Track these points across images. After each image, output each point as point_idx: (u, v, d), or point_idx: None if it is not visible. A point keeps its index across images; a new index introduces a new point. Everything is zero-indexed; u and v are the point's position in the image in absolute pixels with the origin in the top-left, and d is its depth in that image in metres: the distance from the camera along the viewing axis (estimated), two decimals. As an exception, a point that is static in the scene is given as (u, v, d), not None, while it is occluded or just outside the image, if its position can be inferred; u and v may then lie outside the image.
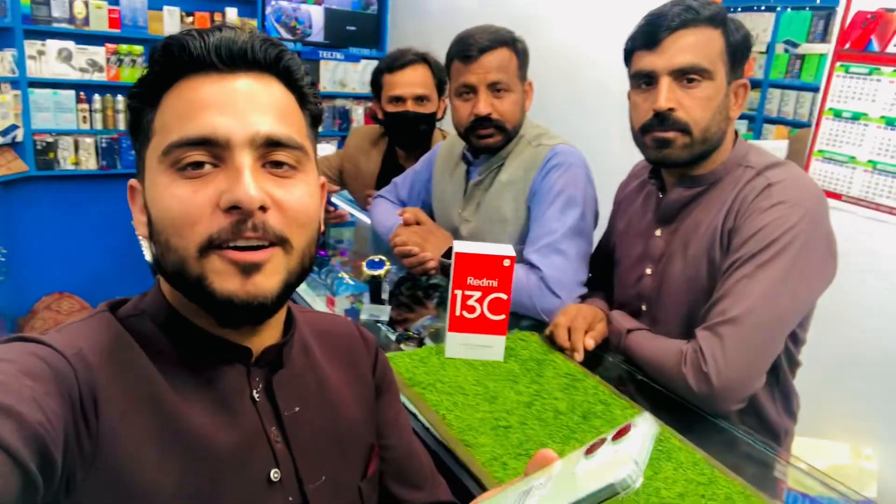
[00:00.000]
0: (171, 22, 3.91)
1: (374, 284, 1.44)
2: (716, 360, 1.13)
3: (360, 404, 0.80)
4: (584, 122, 2.80)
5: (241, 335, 0.68)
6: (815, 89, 2.17)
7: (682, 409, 1.18)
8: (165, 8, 3.87)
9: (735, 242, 1.21)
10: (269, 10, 4.15)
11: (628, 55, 1.31)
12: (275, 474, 0.67)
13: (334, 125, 4.47)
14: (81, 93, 3.73)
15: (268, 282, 0.63)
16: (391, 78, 2.10)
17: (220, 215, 0.60)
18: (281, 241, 0.63)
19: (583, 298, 1.52)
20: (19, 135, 3.59)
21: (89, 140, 3.80)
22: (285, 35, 4.23)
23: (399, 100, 2.10)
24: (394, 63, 2.10)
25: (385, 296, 1.48)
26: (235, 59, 0.63)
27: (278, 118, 0.64)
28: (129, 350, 0.63)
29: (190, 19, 3.97)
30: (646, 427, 0.47)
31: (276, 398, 0.70)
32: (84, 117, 3.78)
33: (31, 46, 3.59)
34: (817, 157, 2.11)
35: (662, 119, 1.23)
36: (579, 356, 1.32)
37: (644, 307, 1.40)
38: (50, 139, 3.72)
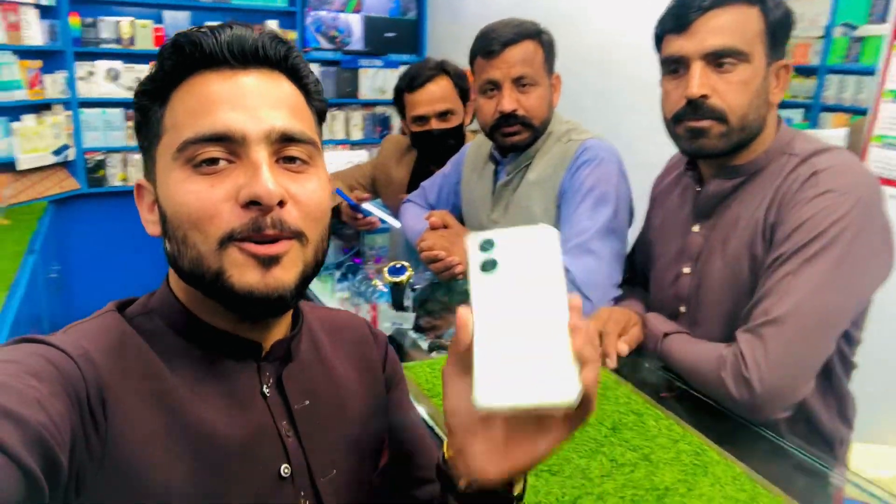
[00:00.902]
0: (213, 37, 3.98)
1: (397, 291, 1.40)
2: (758, 364, 1.04)
3: (371, 398, 0.80)
4: (621, 114, 2.69)
5: (251, 330, 0.68)
6: (876, 73, 2.02)
7: (724, 418, 1.10)
8: (207, 24, 3.94)
9: (778, 236, 1.11)
10: (308, 20, 4.18)
11: (658, 40, 1.23)
12: (285, 470, 0.67)
13: (374, 132, 4.47)
14: (129, 110, 3.83)
15: (286, 274, 0.63)
16: (412, 97, 2.04)
17: (238, 210, 0.60)
18: (297, 235, 0.63)
19: (617, 300, 1.44)
20: (71, 154, 3.71)
21: (137, 156, 3.89)
22: (325, 45, 4.26)
23: (423, 119, 2.04)
24: (413, 82, 2.04)
25: (408, 302, 1.44)
26: (246, 56, 0.64)
27: (291, 114, 0.65)
28: (137, 348, 0.64)
29: (231, 34, 4.03)
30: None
31: (287, 392, 0.70)
32: (132, 134, 3.88)
33: (81, 68, 3.71)
34: (876, 143, 1.96)
35: (696, 107, 1.15)
36: (612, 363, 1.24)
37: (683, 309, 1.31)
38: (100, 157, 3.83)
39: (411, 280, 1.42)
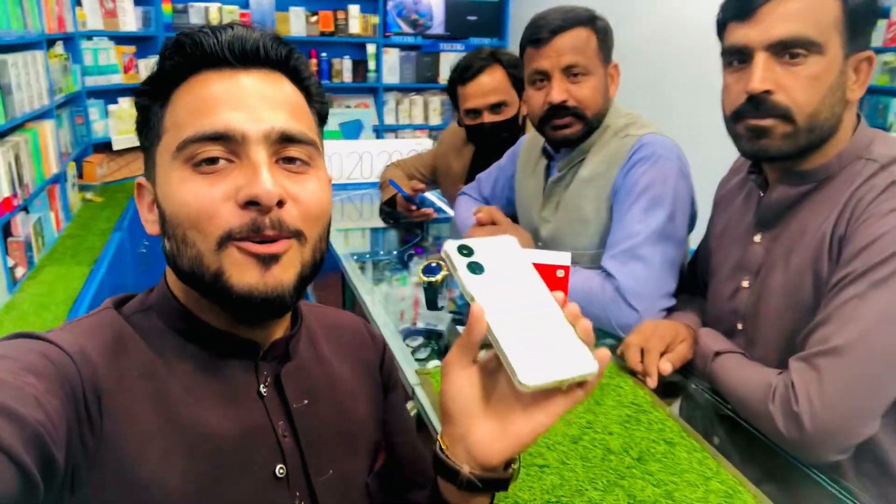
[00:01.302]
0: (297, 22, 4.04)
1: (431, 291, 1.34)
2: (810, 398, 0.92)
3: (368, 400, 0.80)
4: (693, 109, 2.51)
5: (249, 330, 0.68)
6: None
7: (773, 454, 0.98)
8: (291, 9, 4.00)
9: (846, 253, 0.98)
10: (390, 5, 4.17)
11: (721, 28, 1.11)
12: (280, 470, 0.66)
13: (453, 117, 4.41)
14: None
15: (285, 274, 0.63)
16: (464, 90, 1.97)
17: (237, 210, 0.60)
18: (296, 235, 0.63)
19: (671, 311, 1.33)
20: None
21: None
22: (407, 29, 4.24)
23: (475, 112, 1.97)
24: (465, 73, 1.96)
25: (443, 303, 1.38)
26: (247, 56, 0.64)
27: (291, 114, 0.64)
28: (134, 347, 0.64)
29: (314, 18, 4.07)
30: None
31: (285, 391, 0.69)
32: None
33: (172, 53, 3.85)
34: None
35: (757, 103, 1.02)
36: (652, 382, 1.14)
37: (740, 325, 1.19)
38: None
39: (446, 279, 1.37)
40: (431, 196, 2.21)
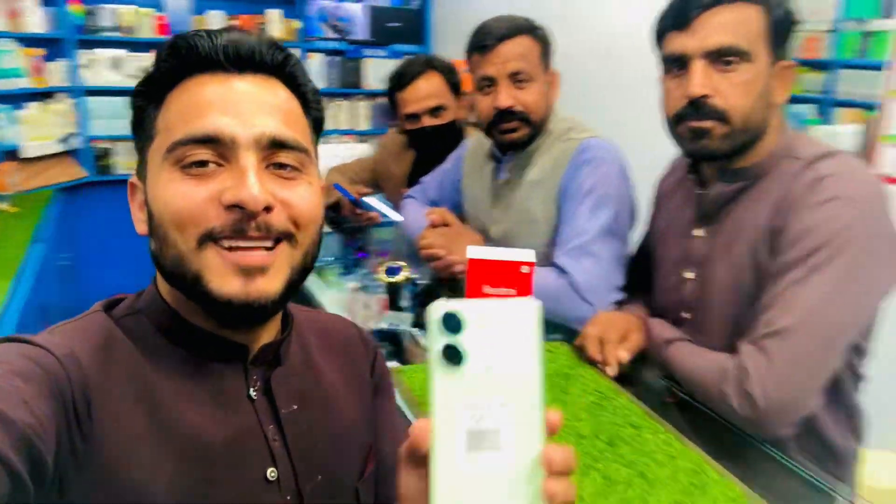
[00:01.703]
0: (215, 25, 3.94)
1: (393, 291, 1.37)
2: (761, 377, 1.01)
3: (358, 404, 0.80)
4: (627, 112, 2.64)
5: (238, 333, 0.68)
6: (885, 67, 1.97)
7: (728, 430, 1.06)
8: (209, 12, 3.91)
9: (783, 243, 1.07)
10: (312, 10, 4.14)
11: (659, 38, 1.19)
12: (271, 473, 0.66)
13: (381, 122, 4.43)
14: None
15: (271, 284, 0.63)
16: (402, 96, 2.01)
17: (221, 211, 0.60)
18: (287, 237, 0.64)
19: (619, 305, 1.41)
20: (77, 142, 3.69)
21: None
22: (330, 34, 4.22)
23: (414, 117, 2.01)
24: (402, 79, 2.00)
25: (406, 303, 1.41)
26: (242, 60, 0.64)
27: (284, 120, 0.64)
28: (123, 349, 0.64)
29: (235, 22, 3.99)
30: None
31: (274, 396, 0.69)
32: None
33: (83, 56, 3.68)
34: (887, 143, 1.91)
35: (697, 107, 1.11)
36: (612, 370, 1.21)
37: (686, 315, 1.27)
38: (106, 145, 3.81)
39: (411, 278, 1.40)
40: (373, 201, 2.22)
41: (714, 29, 1.07)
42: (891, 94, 1.88)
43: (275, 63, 0.66)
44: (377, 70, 4.35)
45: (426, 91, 1.97)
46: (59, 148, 3.60)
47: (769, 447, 1.04)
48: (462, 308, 0.45)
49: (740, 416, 1.03)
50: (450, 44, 2.70)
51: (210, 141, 0.61)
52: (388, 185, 2.28)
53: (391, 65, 4.26)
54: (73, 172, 3.74)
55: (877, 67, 3.40)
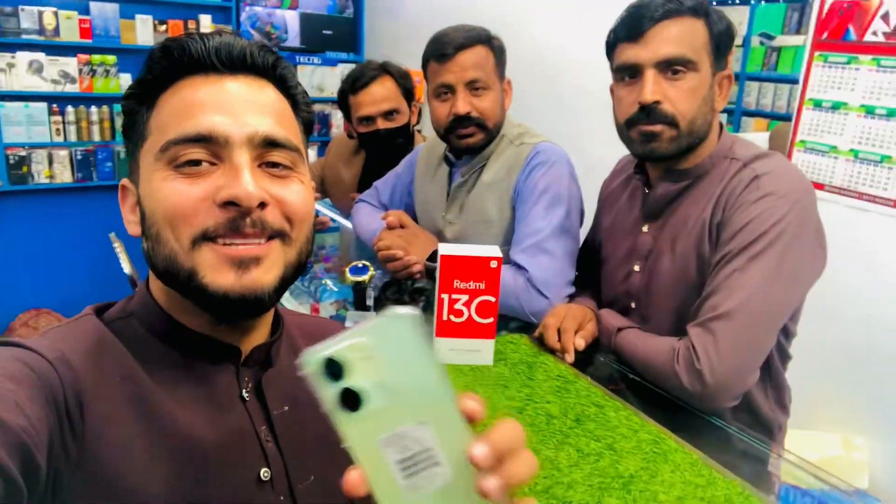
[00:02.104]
0: (143, 31, 3.85)
1: (359, 290, 1.41)
2: (709, 356, 1.11)
3: None
4: (565, 120, 2.78)
5: (230, 334, 0.68)
6: (793, 81, 2.17)
7: (676, 407, 1.16)
8: (138, 17, 3.81)
9: (724, 236, 1.19)
10: (243, 16, 4.10)
11: (610, 48, 1.29)
12: (265, 473, 0.67)
13: (314, 130, 4.42)
14: (54, 105, 3.66)
15: (266, 276, 0.63)
16: (356, 99, 2.06)
17: (215, 210, 0.61)
18: (280, 234, 0.64)
19: (571, 298, 1.50)
20: (-10, 149, 3.52)
21: (63, 153, 3.73)
22: (261, 41, 4.19)
23: (368, 119, 2.06)
24: (356, 83, 2.06)
25: (370, 302, 1.45)
26: (234, 62, 0.65)
27: (276, 120, 0.65)
28: (115, 352, 0.63)
29: (163, 27, 3.91)
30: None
31: (266, 397, 0.70)
32: (58, 129, 3.71)
33: (0, 59, 3.51)
34: (799, 148, 2.10)
35: (648, 112, 1.21)
36: (570, 357, 1.29)
37: (633, 305, 1.38)
38: (23, 153, 3.64)
39: (373, 280, 1.44)
40: (318, 206, 2.25)
41: (664, 40, 1.18)
42: (807, 105, 2.06)
43: (266, 65, 0.67)
44: (310, 78, 4.35)
45: (381, 94, 2.03)
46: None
47: (712, 418, 1.14)
48: (336, 349, 0.40)
49: (690, 392, 1.13)
50: (383, 52, 2.75)
51: (203, 140, 0.61)
52: (337, 189, 2.31)
53: (324, 72, 4.33)
54: (-14, 181, 3.57)
55: (782, 80, 3.71)
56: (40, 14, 3.59)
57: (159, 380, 0.64)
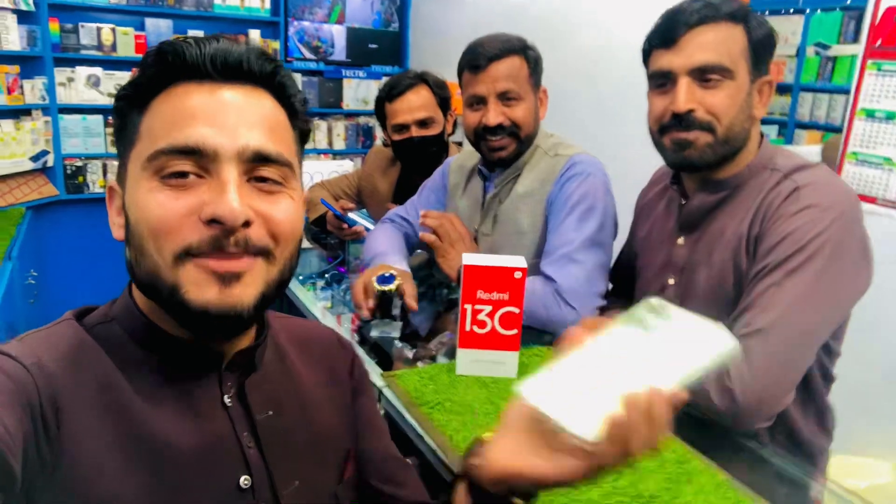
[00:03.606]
0: (195, 45, 3.97)
1: (385, 300, 1.40)
2: (741, 374, 1.06)
3: (337, 409, 0.79)
4: (606, 128, 2.74)
5: (212, 340, 0.67)
6: (848, 91, 2.08)
7: (705, 427, 1.11)
8: (190, 32, 3.94)
9: (762, 249, 1.14)
10: (291, 30, 4.19)
11: (646, 55, 1.25)
12: (245, 481, 0.66)
13: (358, 142, 4.48)
14: (110, 117, 3.79)
15: (246, 292, 0.61)
16: (391, 107, 2.07)
17: (199, 226, 0.59)
18: (264, 252, 0.63)
19: (602, 311, 1.46)
20: (50, 160, 3.67)
21: (117, 163, 3.86)
22: (308, 55, 4.27)
23: (403, 127, 2.06)
24: (392, 91, 2.06)
25: (396, 311, 1.44)
26: (230, 70, 0.63)
27: (268, 133, 0.63)
28: (94, 358, 0.62)
29: (214, 42, 4.02)
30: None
31: (249, 402, 0.69)
32: (112, 141, 3.84)
33: (60, 74, 3.67)
34: (850, 160, 2.01)
35: (681, 120, 1.17)
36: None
37: (667, 320, 1.33)
38: (79, 163, 3.79)
39: (399, 289, 1.43)
40: (355, 216, 2.26)
41: (698, 47, 1.14)
42: (858, 115, 1.98)
43: (263, 73, 0.64)
44: (355, 91, 4.41)
45: (417, 103, 2.03)
46: (31, 166, 3.57)
47: (746, 440, 1.09)
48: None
49: (721, 411, 1.08)
50: (427, 65, 2.77)
51: (192, 152, 0.60)
52: (373, 200, 2.32)
53: (370, 85, 4.39)
54: (45, 191, 3.71)
55: (837, 91, 3.58)
56: (98, 30, 3.74)
57: (139, 386, 0.63)
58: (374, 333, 1.41)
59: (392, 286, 1.40)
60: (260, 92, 0.65)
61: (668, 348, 0.57)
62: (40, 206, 3.64)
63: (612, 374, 0.55)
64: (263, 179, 0.63)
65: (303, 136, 0.71)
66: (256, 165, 0.62)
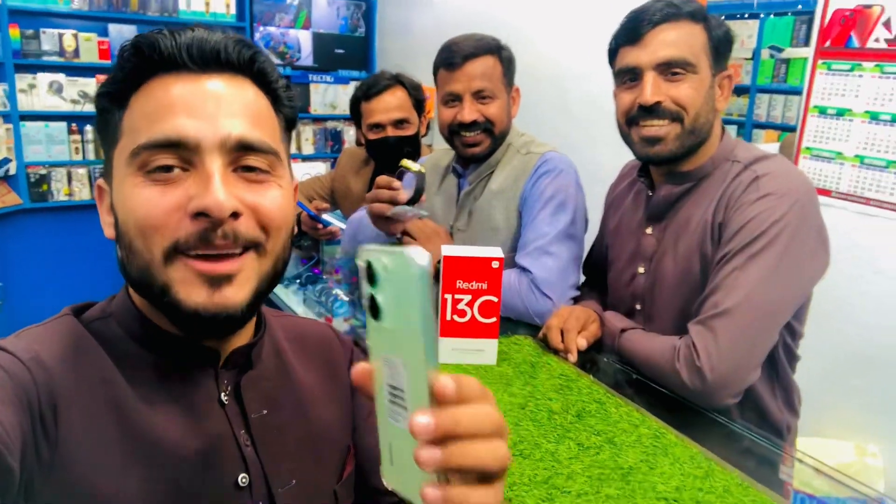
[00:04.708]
0: (160, 51, 3.94)
1: (419, 179, 1.38)
2: (709, 353, 1.12)
3: (336, 406, 0.79)
4: (572, 130, 2.81)
5: (209, 338, 0.67)
6: (802, 92, 2.18)
7: (680, 406, 1.17)
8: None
9: (725, 236, 1.20)
10: (257, 36, 4.19)
11: (612, 53, 1.31)
12: (243, 479, 0.65)
13: (326, 147, 4.49)
14: (73, 124, 3.75)
15: (238, 293, 0.61)
16: (368, 106, 2.10)
17: (186, 221, 0.58)
18: (254, 245, 0.62)
19: (576, 301, 1.51)
20: (12, 168, 3.60)
21: (82, 171, 3.81)
22: (275, 60, 4.27)
23: (378, 126, 2.10)
24: (369, 90, 2.10)
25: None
26: (207, 60, 0.61)
27: (251, 121, 0.62)
28: (92, 354, 0.62)
29: (179, 48, 4.00)
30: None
31: (244, 400, 0.68)
32: (76, 148, 3.80)
33: (21, 80, 3.61)
34: (805, 155, 2.11)
35: (649, 111, 1.23)
36: (573, 357, 1.30)
37: (638, 306, 1.39)
38: (43, 171, 3.73)
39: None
40: (329, 217, 2.28)
41: (662, 43, 1.20)
42: (811, 112, 2.08)
43: (241, 61, 0.63)
44: (323, 95, 4.42)
45: (393, 103, 2.07)
46: (-8, 174, 3.51)
47: (717, 416, 1.15)
48: (374, 259, 0.42)
49: (691, 388, 1.14)
50: (394, 70, 2.81)
51: (174, 145, 0.59)
52: (347, 201, 2.34)
53: (337, 90, 4.40)
54: (8, 199, 3.64)
55: (792, 92, 3.72)
56: (60, 36, 3.69)
57: (136, 383, 0.62)
58: (401, 209, 1.41)
59: (420, 167, 1.39)
60: (241, 80, 0.63)
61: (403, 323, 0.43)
62: (4, 216, 3.57)
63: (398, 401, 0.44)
64: (250, 169, 0.62)
65: (289, 122, 0.69)
66: (241, 155, 0.61)
